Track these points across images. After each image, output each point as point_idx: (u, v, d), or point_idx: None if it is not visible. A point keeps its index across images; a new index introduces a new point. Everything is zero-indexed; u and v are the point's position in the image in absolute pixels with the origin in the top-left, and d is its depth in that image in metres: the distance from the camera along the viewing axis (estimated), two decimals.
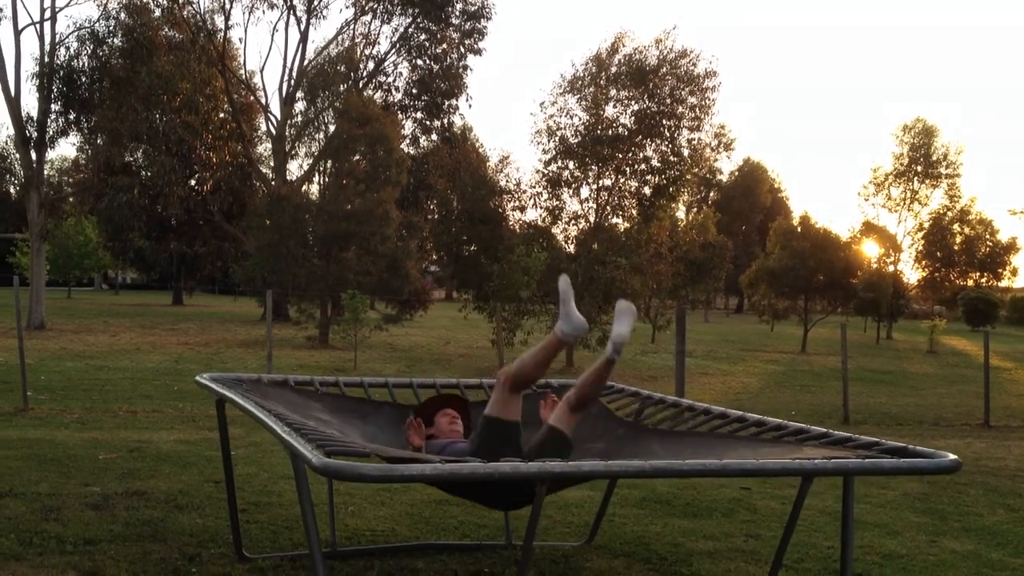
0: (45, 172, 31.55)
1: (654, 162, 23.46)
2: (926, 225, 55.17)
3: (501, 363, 17.48)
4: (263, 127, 40.20)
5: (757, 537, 5.79)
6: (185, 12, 33.42)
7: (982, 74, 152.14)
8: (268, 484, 6.68)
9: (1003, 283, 58.01)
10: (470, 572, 4.81)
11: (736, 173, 77.76)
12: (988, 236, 57.22)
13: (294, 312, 26.02)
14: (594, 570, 4.97)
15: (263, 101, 38.46)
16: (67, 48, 28.56)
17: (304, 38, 36.59)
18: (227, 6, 35.06)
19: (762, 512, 6.44)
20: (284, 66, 36.92)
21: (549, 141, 23.29)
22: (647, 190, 23.57)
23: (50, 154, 41.83)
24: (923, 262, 55.52)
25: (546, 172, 23.29)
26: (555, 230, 23.87)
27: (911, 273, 55.88)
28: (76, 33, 28.64)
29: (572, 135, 23.08)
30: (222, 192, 37.12)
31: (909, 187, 55.09)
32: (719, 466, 3.44)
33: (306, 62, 36.89)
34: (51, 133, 28.22)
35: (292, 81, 36.51)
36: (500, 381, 4.50)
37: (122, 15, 28.95)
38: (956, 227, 55.96)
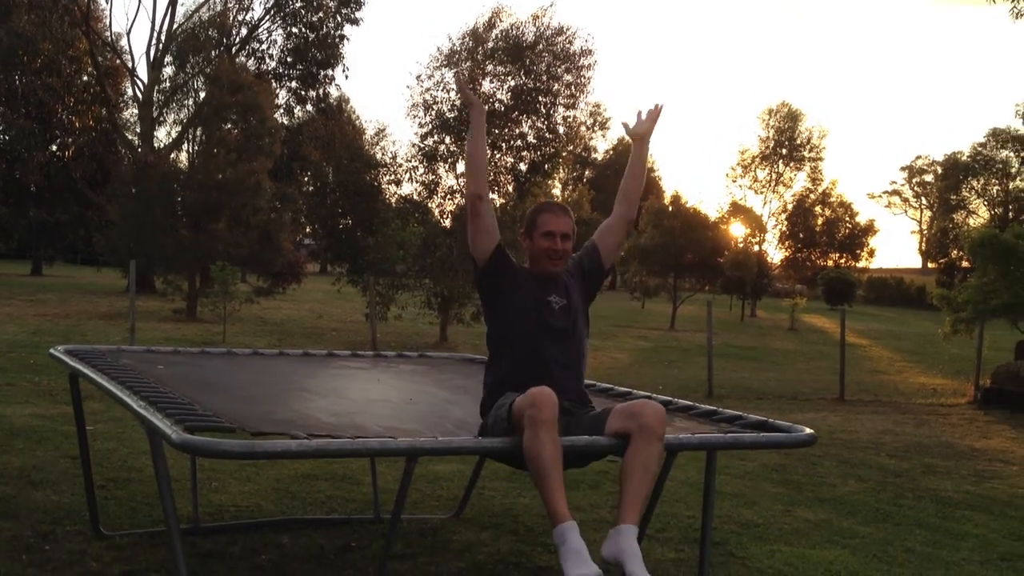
0: None
1: (530, 138, 23.55)
2: (790, 207, 57.16)
3: (374, 337, 17.34)
4: (129, 92, 38.75)
5: None
6: None
7: (845, 59, 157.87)
8: (128, 459, 6.48)
9: (860, 264, 60.63)
10: (337, 547, 4.78)
11: (611, 152, 78.81)
12: (847, 219, 59.68)
13: (160, 284, 25.24)
14: (462, 542, 5.00)
15: (130, 64, 37.03)
16: None
17: (173, 0, 35.43)
18: None
19: None
20: (152, 29, 35.67)
21: (425, 115, 23.11)
22: (523, 166, 23.66)
23: None
24: (786, 242, 57.58)
25: (422, 146, 23.12)
26: (431, 204, 23.77)
27: (775, 253, 57.93)
28: None
29: (448, 109, 22.97)
30: (85, 158, 35.74)
31: (774, 169, 56.93)
32: (588, 441, 3.49)
33: (175, 25, 35.66)
34: None
35: (160, 45, 35.20)
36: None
37: None
38: (818, 209, 58.18)
